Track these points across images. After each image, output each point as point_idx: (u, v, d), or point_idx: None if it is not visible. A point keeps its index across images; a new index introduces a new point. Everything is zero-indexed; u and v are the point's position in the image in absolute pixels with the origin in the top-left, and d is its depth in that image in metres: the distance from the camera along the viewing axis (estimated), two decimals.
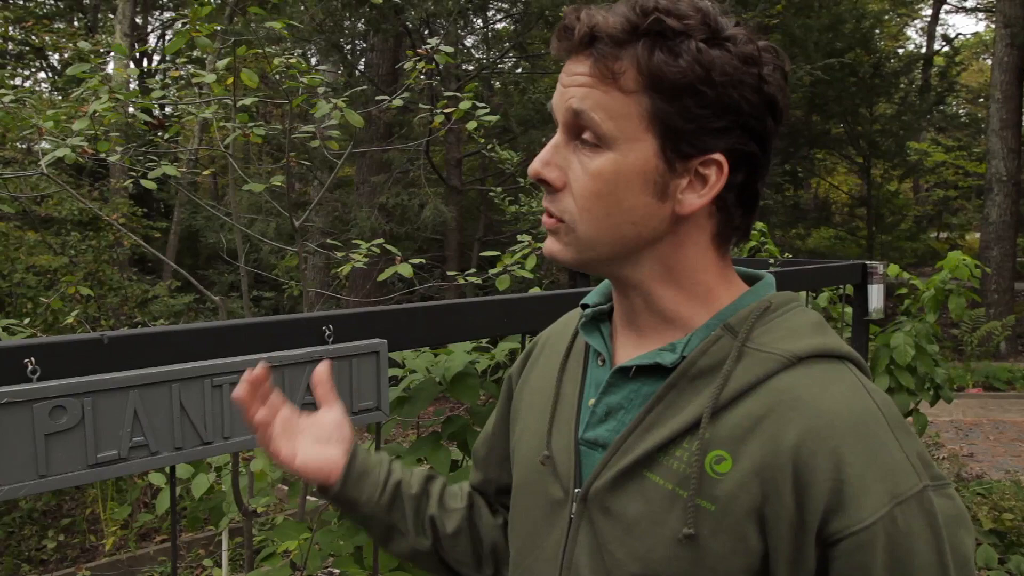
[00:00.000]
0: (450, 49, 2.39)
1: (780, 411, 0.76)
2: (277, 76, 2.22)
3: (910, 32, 23.28)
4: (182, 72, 2.10)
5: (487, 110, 2.48)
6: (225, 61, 1.90)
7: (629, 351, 0.89)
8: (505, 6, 11.04)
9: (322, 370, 1.03)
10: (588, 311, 0.95)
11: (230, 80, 1.98)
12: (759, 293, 0.87)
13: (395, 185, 8.78)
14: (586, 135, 0.80)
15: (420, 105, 2.62)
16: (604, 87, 0.79)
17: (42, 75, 19.97)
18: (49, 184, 7.36)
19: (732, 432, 0.77)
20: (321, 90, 2.04)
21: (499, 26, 12.46)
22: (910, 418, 3.56)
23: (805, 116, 15.14)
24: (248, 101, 2.05)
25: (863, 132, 15.25)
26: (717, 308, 0.85)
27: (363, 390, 1.39)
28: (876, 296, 3.27)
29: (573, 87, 0.81)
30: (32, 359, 1.03)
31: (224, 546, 2.85)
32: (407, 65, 2.45)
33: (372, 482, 1.03)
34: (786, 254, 4.28)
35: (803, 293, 3.39)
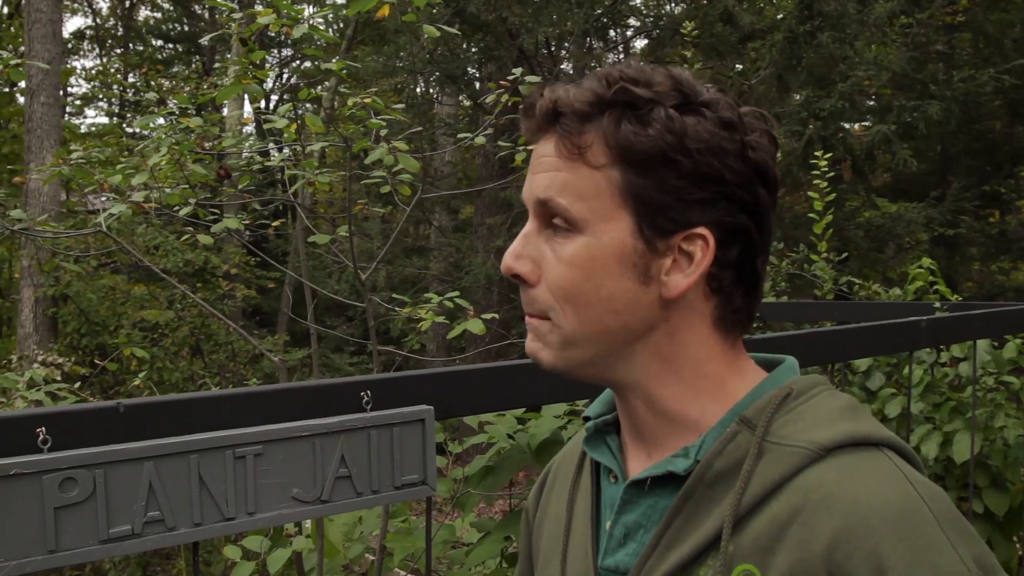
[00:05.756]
0: (536, 79, 2.44)
1: (808, 512, 0.74)
2: (354, 115, 2.34)
3: None
4: (251, 119, 2.26)
5: None
6: (286, 107, 2.03)
7: (642, 462, 0.88)
8: (645, 20, 11.11)
9: None
10: (590, 424, 0.94)
11: (293, 126, 2.11)
12: (779, 379, 0.86)
13: (515, 226, 8.93)
14: (556, 220, 0.82)
15: (500, 143, 2.67)
16: (570, 165, 0.81)
17: (160, 121, 21.73)
18: (155, 236, 7.95)
19: (757, 542, 0.76)
20: (384, 132, 2.13)
21: (638, 44, 12.55)
22: None
23: (1007, 127, 14.30)
24: (316, 146, 2.17)
25: None
26: (731, 402, 0.84)
27: (407, 462, 1.41)
28: None
29: (540, 173, 0.84)
30: (43, 428, 1.12)
31: None
32: (490, 99, 2.52)
33: None
34: (957, 296, 4.05)
35: (974, 343, 3.20)
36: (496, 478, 2.41)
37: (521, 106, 0.89)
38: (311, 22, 2.11)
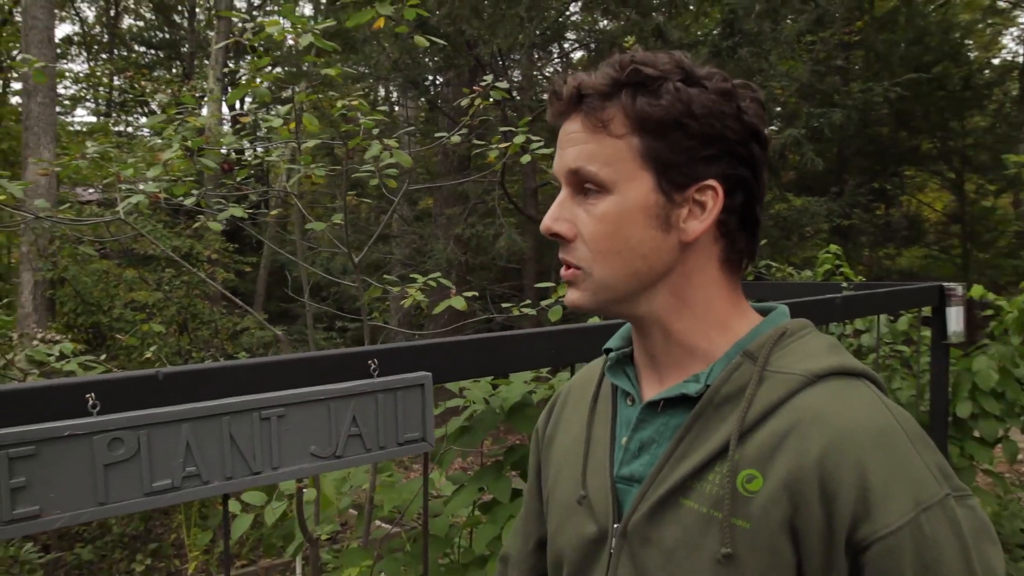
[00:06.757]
0: (505, 85, 2.46)
1: (803, 427, 0.79)
2: (347, 116, 2.32)
3: (1006, 40, 22.26)
4: (252, 118, 2.24)
5: (541, 143, 2.53)
6: (287, 108, 2.02)
7: (655, 388, 0.93)
8: (581, 35, 11.13)
9: None
10: (612, 355, 0.99)
11: (292, 124, 2.10)
12: (775, 321, 0.91)
13: (471, 216, 8.92)
14: (588, 185, 0.86)
15: (474, 141, 2.69)
16: (596, 137, 0.85)
17: (144, 120, 21.21)
18: (144, 224, 7.76)
19: (760, 451, 0.80)
20: (376, 131, 2.13)
21: (576, 55, 12.56)
22: (999, 446, 3.40)
23: (892, 133, 14.70)
24: (311, 144, 2.16)
25: (954, 147, 14.68)
26: (734, 338, 0.89)
27: (409, 422, 1.42)
28: (955, 319, 3.15)
29: (569, 147, 0.88)
30: (92, 394, 1.11)
31: (298, 572, 2.93)
32: (464, 103, 2.53)
33: None
34: (859, 277, 4.17)
35: (878, 317, 3.29)
36: (471, 436, 2.42)
37: (546, 94, 0.95)
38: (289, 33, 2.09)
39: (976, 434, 3.29)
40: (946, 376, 3.20)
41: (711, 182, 0.84)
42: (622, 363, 0.98)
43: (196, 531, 4.32)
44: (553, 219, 0.89)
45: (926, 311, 3.22)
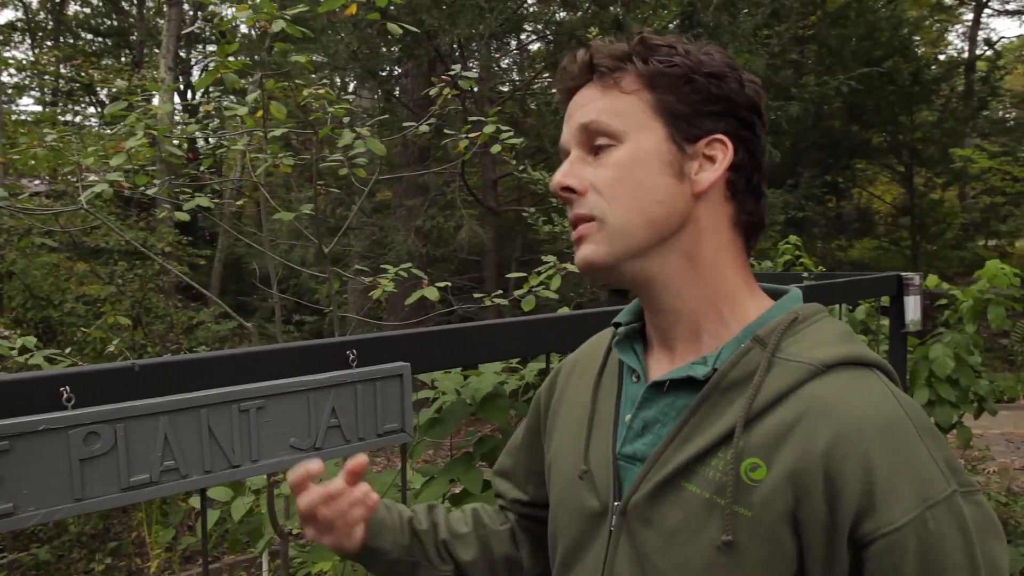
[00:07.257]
0: (473, 75, 2.44)
1: (810, 417, 0.78)
2: (307, 105, 2.29)
3: (951, 37, 22.88)
4: (214, 106, 2.20)
5: (511, 133, 2.53)
6: (253, 95, 1.98)
7: (662, 366, 0.92)
8: (539, 27, 11.13)
9: (360, 463, 1.03)
10: (621, 329, 0.98)
11: (259, 113, 2.06)
12: (786, 306, 0.90)
13: (431, 208, 8.88)
14: (599, 141, 0.87)
15: (445, 131, 2.67)
16: (607, 94, 0.87)
17: (91, 110, 20.66)
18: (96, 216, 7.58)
19: (765, 440, 0.79)
20: (346, 119, 2.10)
21: (533, 47, 12.55)
22: (953, 431, 3.49)
23: (844, 126, 14.98)
24: (278, 132, 2.12)
25: (904, 141, 15.01)
26: (744, 320, 0.88)
27: (387, 412, 1.42)
28: (913, 308, 3.22)
29: (579, 109, 0.89)
30: (67, 387, 1.08)
31: (264, 568, 2.90)
32: (432, 92, 2.51)
33: (390, 529, 1.09)
34: (820, 267, 4.24)
35: (836, 306, 3.35)
36: (443, 428, 2.41)
37: (556, 72, 0.96)
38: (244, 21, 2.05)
39: (932, 421, 3.38)
40: (904, 364, 3.28)
41: (720, 136, 0.86)
42: (630, 338, 0.97)
43: (158, 528, 4.24)
44: (563, 175, 0.89)
45: (884, 300, 3.29)
